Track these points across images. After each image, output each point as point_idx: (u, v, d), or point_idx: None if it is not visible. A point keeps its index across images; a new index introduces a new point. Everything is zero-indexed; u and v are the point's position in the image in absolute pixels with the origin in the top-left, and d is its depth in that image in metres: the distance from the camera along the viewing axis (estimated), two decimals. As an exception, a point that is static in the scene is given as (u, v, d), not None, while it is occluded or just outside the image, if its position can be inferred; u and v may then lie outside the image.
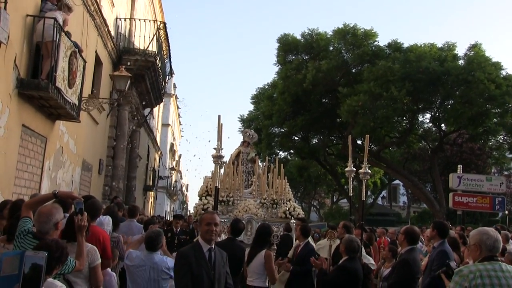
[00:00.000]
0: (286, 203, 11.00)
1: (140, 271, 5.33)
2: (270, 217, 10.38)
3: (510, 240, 9.42)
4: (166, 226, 12.52)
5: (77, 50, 9.15)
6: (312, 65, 23.10)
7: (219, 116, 7.25)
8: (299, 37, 24.84)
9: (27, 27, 7.98)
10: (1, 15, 6.45)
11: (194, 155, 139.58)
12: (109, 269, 5.69)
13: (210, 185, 10.97)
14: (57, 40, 8.01)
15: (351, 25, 23.61)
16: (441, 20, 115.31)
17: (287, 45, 24.86)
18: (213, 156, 7.36)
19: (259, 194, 11.13)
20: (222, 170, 10.28)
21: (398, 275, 5.66)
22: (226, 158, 11.44)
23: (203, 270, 4.31)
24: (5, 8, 6.72)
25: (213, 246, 4.49)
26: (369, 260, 7.91)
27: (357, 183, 31.81)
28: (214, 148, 7.40)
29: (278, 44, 25.32)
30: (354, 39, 23.31)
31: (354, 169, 8.06)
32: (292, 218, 10.48)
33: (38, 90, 7.88)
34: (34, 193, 8.15)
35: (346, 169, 8.25)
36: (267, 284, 6.22)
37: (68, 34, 8.68)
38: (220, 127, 7.31)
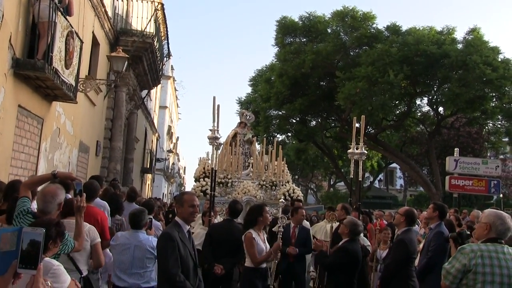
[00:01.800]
0: (285, 185, 11.00)
1: (124, 249, 5.26)
2: (269, 199, 10.38)
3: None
4: (168, 208, 12.55)
5: (74, 30, 9.06)
6: (311, 49, 22.97)
7: (214, 98, 7.26)
8: (297, 19, 24.68)
9: (23, 5, 7.88)
10: (-5, -7, 6.37)
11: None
12: (107, 250, 5.72)
13: (208, 166, 10.95)
14: (54, 20, 7.93)
15: (350, 8, 23.44)
16: (441, 3, 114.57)
17: (285, 28, 24.70)
18: (209, 138, 7.35)
19: (257, 175, 11.11)
20: (218, 152, 10.27)
21: (394, 255, 5.73)
22: (224, 140, 11.42)
23: (188, 251, 4.27)
24: (-1, -14, 6.64)
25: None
26: (366, 242, 7.97)
27: (354, 166, 31.81)
28: (210, 130, 7.38)
29: (276, 27, 25.14)
30: (352, 21, 23.15)
31: (357, 150, 8.03)
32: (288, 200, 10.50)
33: (34, 71, 7.81)
34: (31, 175, 8.14)
35: (349, 150, 8.24)
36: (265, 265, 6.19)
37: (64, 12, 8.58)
38: (216, 108, 7.29)
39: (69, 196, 4.96)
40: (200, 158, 12.73)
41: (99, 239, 4.65)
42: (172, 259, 4.13)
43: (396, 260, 5.64)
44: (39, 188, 4.31)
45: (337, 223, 7.69)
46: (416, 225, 9.70)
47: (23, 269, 2.14)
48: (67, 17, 8.79)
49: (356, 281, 5.74)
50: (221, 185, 10.56)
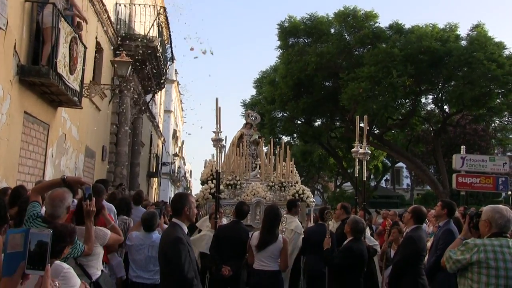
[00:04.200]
0: (294, 186, 10.90)
1: (139, 249, 5.58)
2: (279, 200, 10.29)
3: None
4: None
5: (77, 36, 9.10)
6: (314, 51, 22.94)
7: (216, 99, 7.23)
8: (299, 20, 24.59)
9: (26, 12, 7.93)
10: (-1, 1, 6.41)
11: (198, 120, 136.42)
12: (115, 254, 5.77)
13: (215, 168, 10.91)
14: (57, 26, 7.97)
15: (352, 7, 23.38)
16: (443, 0, 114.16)
17: (287, 30, 24.62)
18: (213, 140, 7.32)
19: (266, 177, 11.02)
20: (223, 154, 10.24)
21: (404, 252, 5.69)
22: (228, 142, 11.36)
23: (192, 254, 4.18)
24: (3, -7, 6.68)
25: None
26: (373, 242, 7.93)
27: (360, 166, 31.72)
28: (213, 132, 7.36)
29: (278, 30, 25.04)
30: (354, 21, 23.07)
31: (360, 149, 7.99)
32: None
33: (39, 77, 7.86)
34: (38, 180, 8.18)
35: (353, 149, 8.20)
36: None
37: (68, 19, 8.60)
38: (218, 110, 7.27)
39: (75, 201, 4.97)
40: (206, 160, 12.67)
41: (108, 233, 4.72)
42: (186, 264, 4.01)
43: (405, 258, 5.61)
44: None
45: (336, 223, 7.71)
46: (424, 224, 9.69)
47: (31, 270, 2.16)
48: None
49: (362, 280, 5.72)
50: (229, 187, 10.49)
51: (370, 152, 8.24)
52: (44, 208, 4.17)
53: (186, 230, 4.27)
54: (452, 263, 3.71)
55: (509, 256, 3.50)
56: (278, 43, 25.59)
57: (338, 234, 6.74)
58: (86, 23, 10.03)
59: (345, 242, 5.80)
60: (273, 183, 10.71)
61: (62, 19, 8.18)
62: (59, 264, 3.04)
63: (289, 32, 24.51)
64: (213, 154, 11.51)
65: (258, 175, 11.29)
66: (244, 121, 12.84)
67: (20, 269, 2.18)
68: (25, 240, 2.18)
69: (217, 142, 7.36)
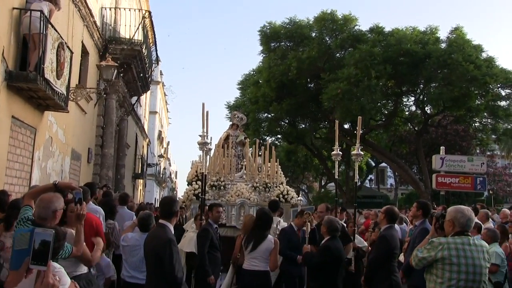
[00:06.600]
0: (279, 186, 10.96)
1: (135, 250, 5.60)
2: (263, 201, 10.29)
3: (489, 218, 9.88)
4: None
5: (64, 41, 9.23)
6: (294, 56, 23.12)
7: (203, 104, 7.43)
8: (280, 23, 24.77)
9: (14, 19, 8.07)
10: (-12, 10, 6.55)
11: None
12: (104, 255, 5.92)
13: (200, 169, 11.03)
14: (44, 32, 8.11)
15: (329, 12, 23.55)
16: (424, 4, 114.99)
17: (269, 36, 24.77)
18: (199, 143, 7.51)
19: (251, 177, 11.06)
20: (210, 155, 10.37)
21: (377, 251, 5.92)
22: (214, 145, 11.49)
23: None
24: (-9, 2, 6.82)
25: None
26: (363, 243, 8.12)
27: (344, 167, 32.13)
28: (200, 135, 7.55)
29: (259, 35, 25.15)
30: (334, 24, 23.31)
31: (340, 153, 8.22)
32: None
33: (27, 82, 8.01)
34: (33, 185, 8.30)
35: (333, 152, 8.42)
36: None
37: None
38: (206, 114, 7.46)
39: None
40: (193, 161, 12.77)
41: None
42: (177, 264, 4.31)
43: (378, 256, 5.81)
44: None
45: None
46: (405, 224, 9.98)
47: (35, 265, 2.39)
48: (57, 28, 8.96)
49: (341, 279, 5.91)
50: (213, 188, 10.56)
51: (362, 153, 8.43)
52: None
53: (173, 231, 4.54)
54: (418, 260, 4.10)
55: (470, 253, 3.88)
56: (261, 48, 25.75)
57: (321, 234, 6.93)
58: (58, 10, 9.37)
59: (323, 242, 5.98)
60: (258, 184, 10.79)
61: (49, 25, 8.32)
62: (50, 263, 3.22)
63: (270, 37, 24.68)
64: (199, 155, 11.61)
65: (244, 176, 11.38)
66: (230, 123, 12.94)
67: (25, 264, 2.42)
68: (30, 238, 2.40)
69: (203, 145, 7.56)
